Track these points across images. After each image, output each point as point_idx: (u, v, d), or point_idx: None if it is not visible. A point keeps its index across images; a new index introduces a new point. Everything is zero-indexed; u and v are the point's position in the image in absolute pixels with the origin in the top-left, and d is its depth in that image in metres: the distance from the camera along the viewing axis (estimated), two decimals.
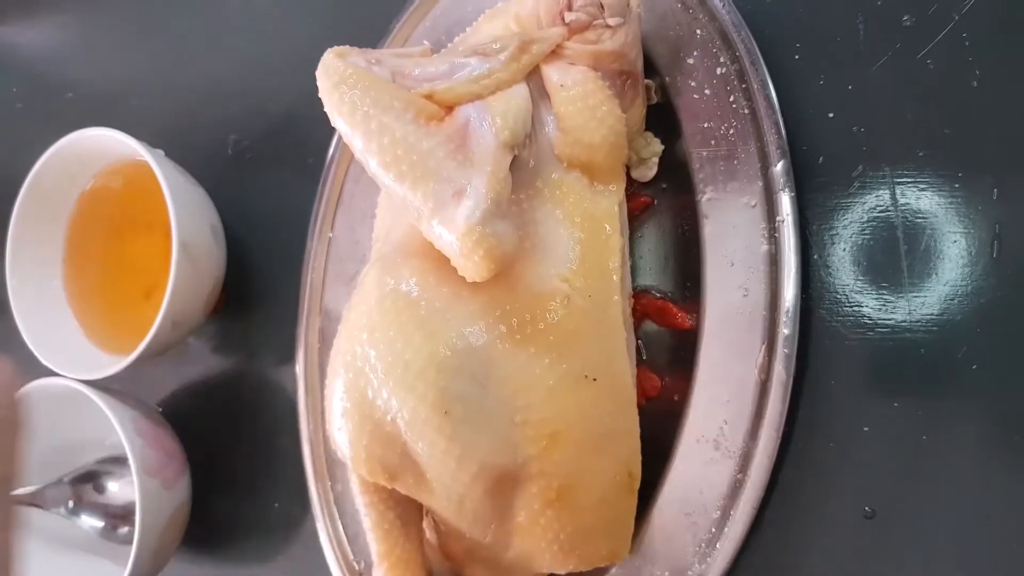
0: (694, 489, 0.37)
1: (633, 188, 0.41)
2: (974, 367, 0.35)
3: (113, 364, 0.50)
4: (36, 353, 0.52)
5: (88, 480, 0.53)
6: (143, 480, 0.47)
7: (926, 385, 0.36)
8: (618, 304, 0.37)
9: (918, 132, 0.36)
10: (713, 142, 0.38)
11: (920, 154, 0.36)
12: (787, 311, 0.35)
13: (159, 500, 0.48)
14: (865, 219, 0.37)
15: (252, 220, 0.55)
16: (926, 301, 0.36)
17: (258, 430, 0.54)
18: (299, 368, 0.49)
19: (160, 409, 0.57)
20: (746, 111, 0.37)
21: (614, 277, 0.37)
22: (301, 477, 0.49)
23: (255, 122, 0.56)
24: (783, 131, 0.36)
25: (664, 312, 0.40)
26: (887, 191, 0.37)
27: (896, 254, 0.36)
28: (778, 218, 0.36)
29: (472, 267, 0.34)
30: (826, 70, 0.38)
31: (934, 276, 0.36)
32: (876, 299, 0.37)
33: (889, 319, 0.36)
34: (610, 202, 0.38)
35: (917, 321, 0.36)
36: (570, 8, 0.37)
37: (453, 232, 0.34)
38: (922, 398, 0.36)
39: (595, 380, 0.36)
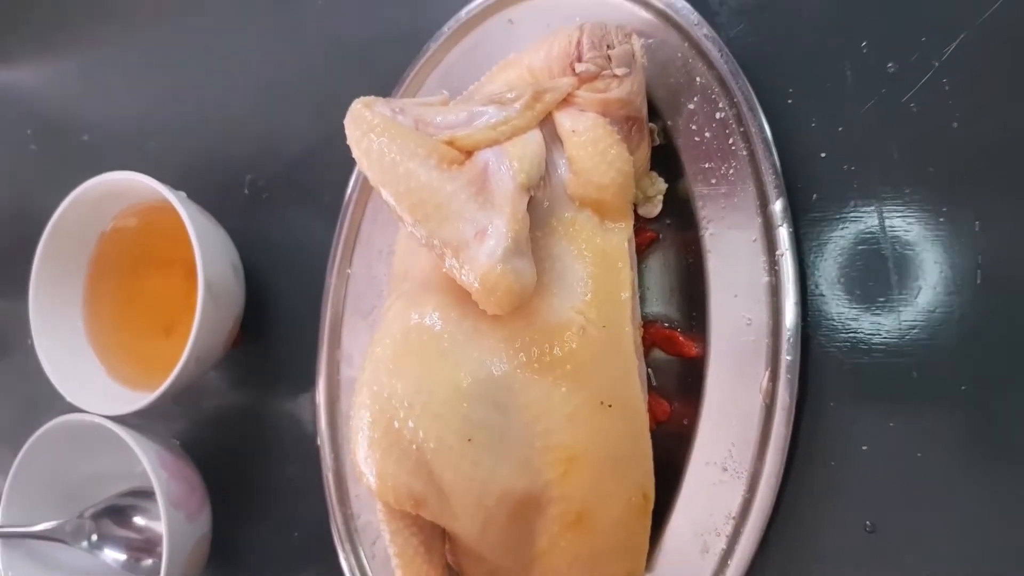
0: (704, 510, 0.39)
1: (640, 224, 0.43)
2: (963, 387, 0.37)
3: (137, 400, 0.51)
4: (60, 390, 0.53)
5: (110, 514, 0.55)
6: (169, 512, 0.48)
7: (919, 405, 0.38)
8: (629, 334, 0.39)
9: (904, 170, 0.39)
10: (714, 181, 0.41)
11: (907, 191, 0.39)
12: (788, 339, 0.38)
13: (184, 531, 0.49)
14: (858, 251, 0.40)
15: (268, 257, 0.57)
16: (916, 326, 0.38)
17: (276, 462, 0.56)
18: (320, 399, 0.51)
19: (179, 442, 0.58)
20: (744, 153, 0.40)
21: (626, 308, 0.39)
22: (319, 508, 0.50)
23: (271, 162, 0.58)
24: (779, 171, 0.39)
25: (672, 341, 0.42)
26: (877, 225, 0.39)
27: (887, 283, 0.39)
28: (777, 252, 0.39)
29: (494, 302, 0.36)
30: (818, 113, 0.41)
31: (923, 303, 0.38)
32: (870, 325, 0.39)
33: (882, 344, 0.39)
34: (620, 238, 0.40)
35: (908, 345, 0.38)
36: (580, 60, 0.39)
37: (476, 270, 0.36)
38: (915, 417, 0.38)
39: (610, 406, 0.38)
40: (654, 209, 0.43)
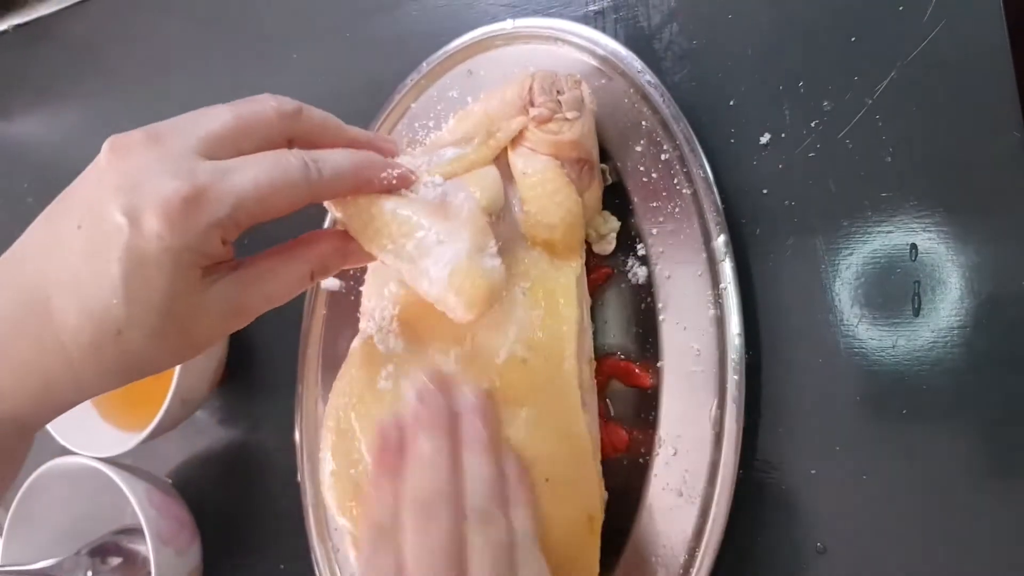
0: (662, 534, 0.41)
1: (596, 261, 0.45)
2: (904, 411, 0.39)
3: (126, 441, 0.53)
4: (53, 433, 0.56)
5: (104, 551, 0.57)
6: (158, 548, 0.50)
7: (863, 429, 0.40)
8: (573, 365, 0.40)
9: (841, 203, 0.41)
10: (662, 219, 0.43)
11: (844, 222, 0.41)
12: (733, 367, 0.40)
13: (173, 567, 0.51)
14: (800, 282, 0.41)
15: None
16: (858, 354, 0.40)
17: (262, 496, 0.57)
18: (297, 436, 0.53)
19: (170, 480, 0.60)
20: (688, 192, 0.42)
21: (568, 342, 0.41)
22: (304, 540, 0.52)
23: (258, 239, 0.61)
24: (720, 209, 0.41)
25: (627, 373, 0.44)
26: (817, 256, 0.41)
27: (830, 312, 0.41)
28: (721, 285, 0.40)
29: (463, 303, 0.35)
30: (758, 152, 0.43)
31: (863, 329, 0.40)
32: (813, 352, 0.41)
33: (826, 370, 0.40)
34: (568, 278, 0.42)
35: (851, 373, 0.40)
36: (532, 104, 0.42)
37: (443, 270, 0.35)
38: (861, 441, 0.40)
39: (552, 435, 0.40)
40: (608, 246, 0.45)
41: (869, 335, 0.40)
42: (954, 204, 0.39)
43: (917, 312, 0.39)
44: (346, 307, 0.51)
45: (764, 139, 0.43)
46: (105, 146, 0.33)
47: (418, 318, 0.42)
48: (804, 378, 0.41)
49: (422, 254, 0.35)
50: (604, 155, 0.45)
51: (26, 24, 0.74)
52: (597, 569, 0.40)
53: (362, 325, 0.45)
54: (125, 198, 0.31)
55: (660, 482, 0.41)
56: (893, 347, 0.39)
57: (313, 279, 0.37)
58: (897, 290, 0.40)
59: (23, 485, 0.56)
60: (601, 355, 0.44)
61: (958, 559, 0.37)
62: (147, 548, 0.50)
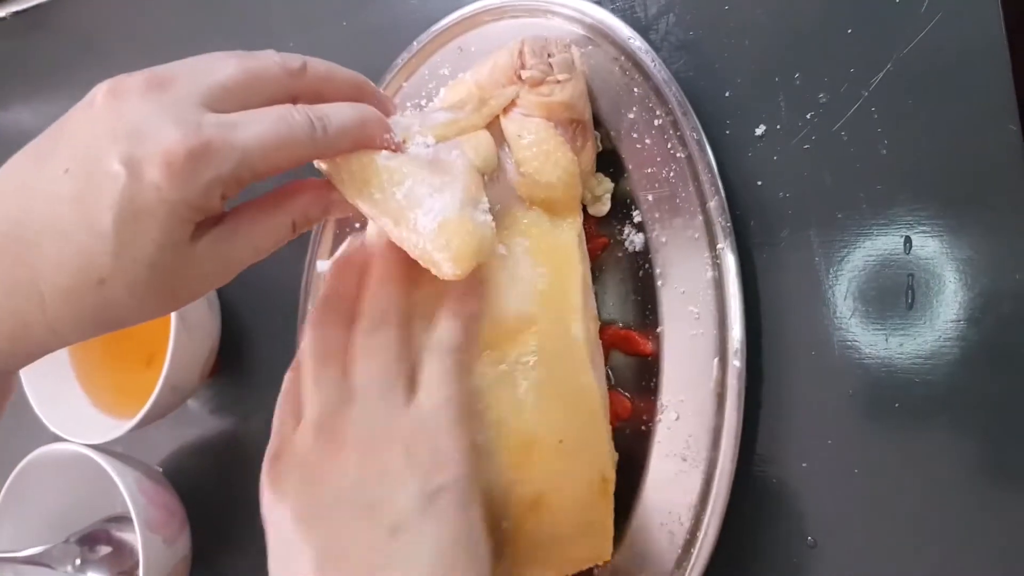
0: (667, 500, 0.40)
1: (592, 231, 0.45)
2: (896, 405, 0.39)
3: (117, 428, 0.53)
4: (44, 420, 0.56)
5: (94, 539, 0.56)
6: (146, 537, 0.50)
7: (855, 423, 0.39)
8: (580, 323, 0.40)
9: (836, 196, 0.41)
10: (657, 184, 0.42)
11: (839, 215, 0.41)
12: (732, 328, 0.39)
13: (162, 556, 0.51)
14: (792, 275, 0.41)
15: (243, 289, 0.59)
16: (851, 347, 0.40)
17: (252, 487, 0.56)
18: None
19: (161, 469, 0.60)
20: (682, 155, 0.41)
21: (576, 298, 0.40)
22: None
23: (243, 196, 0.60)
24: (715, 170, 0.41)
25: (628, 340, 0.43)
26: (811, 249, 0.41)
27: (823, 305, 0.40)
28: (718, 246, 0.40)
29: (451, 257, 0.34)
30: (754, 144, 0.43)
31: (857, 324, 0.40)
32: (806, 348, 0.40)
33: (818, 365, 0.40)
34: (569, 234, 0.42)
35: (843, 366, 0.40)
36: (523, 67, 0.42)
37: (431, 222, 0.34)
38: (853, 435, 0.39)
39: (562, 393, 0.39)
40: (603, 208, 0.45)
41: (862, 328, 0.40)
42: (949, 197, 0.38)
43: (911, 306, 0.39)
44: None
45: (759, 131, 0.42)
46: (103, 87, 0.32)
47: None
48: (796, 371, 0.41)
49: (412, 204, 0.34)
50: (596, 122, 0.44)
51: (24, 11, 0.74)
52: (612, 531, 0.40)
53: None
54: (124, 145, 0.30)
55: (663, 449, 0.41)
56: (886, 340, 0.39)
57: (296, 231, 0.36)
58: (891, 283, 0.39)
59: (11, 472, 0.56)
60: (601, 325, 0.44)
61: (948, 553, 0.37)
62: (136, 537, 0.50)
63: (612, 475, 0.40)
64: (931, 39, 0.39)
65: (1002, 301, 0.37)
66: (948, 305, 0.38)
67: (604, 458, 0.40)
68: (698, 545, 0.39)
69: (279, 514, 0.35)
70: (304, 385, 0.37)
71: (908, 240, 0.39)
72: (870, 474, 0.39)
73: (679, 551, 0.40)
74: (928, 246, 0.39)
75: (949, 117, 0.39)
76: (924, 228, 0.39)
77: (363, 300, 0.38)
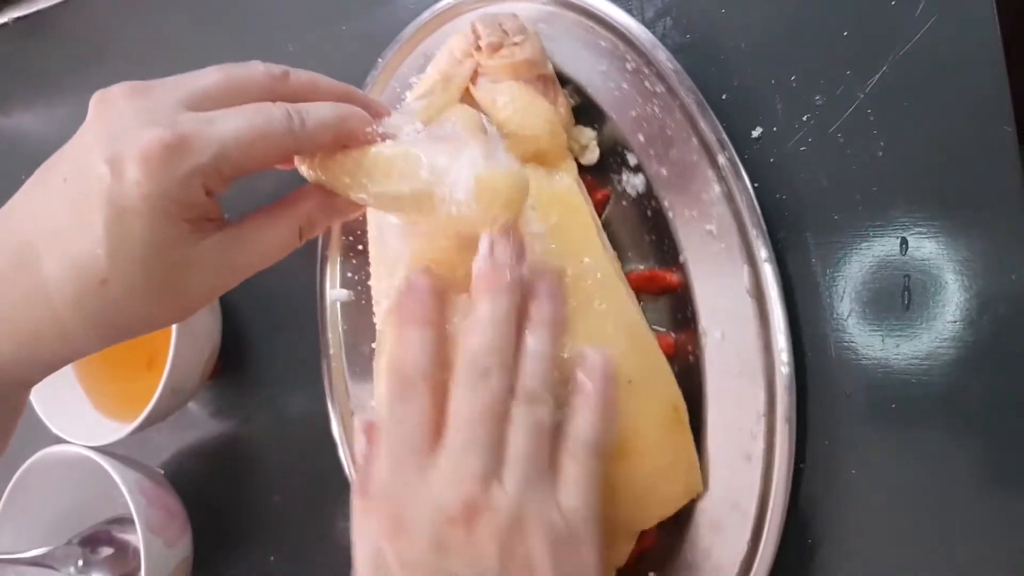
0: (734, 420, 0.39)
1: (591, 184, 0.45)
2: (893, 405, 0.39)
3: (118, 430, 0.53)
4: (47, 422, 0.56)
5: (96, 540, 0.57)
6: (148, 538, 0.50)
7: (852, 424, 0.40)
8: (607, 260, 0.41)
9: (833, 198, 0.41)
10: (645, 123, 0.43)
11: (835, 217, 0.41)
12: (755, 231, 0.39)
13: (163, 557, 0.51)
14: (789, 276, 0.41)
15: (243, 292, 0.59)
16: (848, 348, 0.40)
17: (253, 489, 0.58)
18: (329, 402, 0.52)
19: (162, 471, 0.60)
20: (662, 89, 0.42)
21: (594, 236, 0.41)
22: (294, 532, 0.52)
23: (245, 198, 0.61)
24: (701, 97, 0.41)
25: (653, 279, 0.43)
26: (808, 251, 0.41)
27: (819, 306, 0.41)
28: (720, 160, 0.40)
29: (501, 204, 0.34)
30: (750, 146, 0.43)
31: (853, 325, 0.40)
32: (802, 349, 0.41)
33: (814, 365, 0.40)
34: (567, 180, 0.43)
35: (840, 367, 0.40)
36: (479, 39, 0.43)
37: (468, 183, 0.33)
38: (849, 435, 0.39)
39: (617, 331, 0.39)
40: (592, 155, 0.45)
41: (859, 329, 0.40)
42: (945, 199, 0.39)
43: (907, 307, 0.39)
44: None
45: (756, 133, 0.43)
46: (92, 100, 0.34)
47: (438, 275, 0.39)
48: (792, 372, 0.41)
49: (439, 177, 0.34)
50: (568, 80, 0.45)
51: (26, 17, 0.74)
52: (697, 462, 0.39)
53: (383, 307, 0.45)
54: (107, 147, 0.31)
55: (716, 370, 0.40)
56: (883, 341, 0.39)
57: (302, 237, 0.37)
58: (887, 285, 0.39)
59: (15, 474, 0.56)
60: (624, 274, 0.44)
61: (946, 553, 0.37)
62: (138, 538, 0.50)
63: (682, 403, 0.40)
64: (927, 41, 0.39)
65: (998, 302, 0.37)
66: (945, 306, 0.38)
67: (671, 388, 0.40)
68: (777, 457, 0.38)
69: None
70: (447, 457, 0.32)
71: (904, 241, 0.39)
72: (867, 473, 0.39)
73: (761, 468, 0.38)
74: (924, 247, 0.39)
75: (945, 119, 0.39)
76: (920, 229, 0.39)
77: (468, 338, 0.33)
